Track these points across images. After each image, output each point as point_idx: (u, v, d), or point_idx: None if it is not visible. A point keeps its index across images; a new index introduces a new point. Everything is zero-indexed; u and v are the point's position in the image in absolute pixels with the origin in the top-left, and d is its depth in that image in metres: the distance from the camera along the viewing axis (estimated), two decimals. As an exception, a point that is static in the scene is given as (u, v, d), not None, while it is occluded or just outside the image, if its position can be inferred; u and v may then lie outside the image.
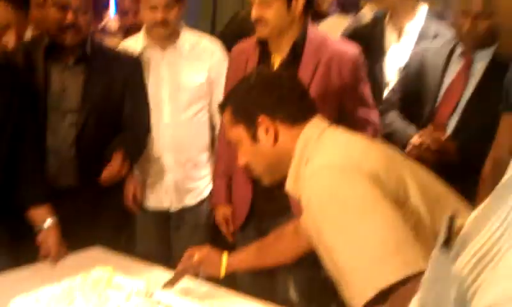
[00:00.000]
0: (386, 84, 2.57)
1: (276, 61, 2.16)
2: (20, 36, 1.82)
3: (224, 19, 3.30)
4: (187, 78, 2.50)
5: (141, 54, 2.48)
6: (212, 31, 3.27)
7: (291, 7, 2.07)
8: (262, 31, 2.10)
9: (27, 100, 2.09)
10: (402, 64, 2.52)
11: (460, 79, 2.19)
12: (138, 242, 2.61)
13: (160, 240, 2.59)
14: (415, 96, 2.29)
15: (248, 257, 1.86)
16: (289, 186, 1.46)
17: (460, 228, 0.63)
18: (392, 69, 2.57)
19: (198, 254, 1.81)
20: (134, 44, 2.53)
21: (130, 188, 2.52)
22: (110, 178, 2.23)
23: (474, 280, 0.55)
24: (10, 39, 1.75)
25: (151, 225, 2.58)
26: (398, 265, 1.13)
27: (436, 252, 0.62)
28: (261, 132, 1.46)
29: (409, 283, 1.10)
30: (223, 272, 1.81)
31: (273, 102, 1.46)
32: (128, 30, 2.89)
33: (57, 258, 2.01)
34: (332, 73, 2.10)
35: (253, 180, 2.14)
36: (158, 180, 2.53)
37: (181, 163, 2.51)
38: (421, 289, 0.63)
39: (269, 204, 2.19)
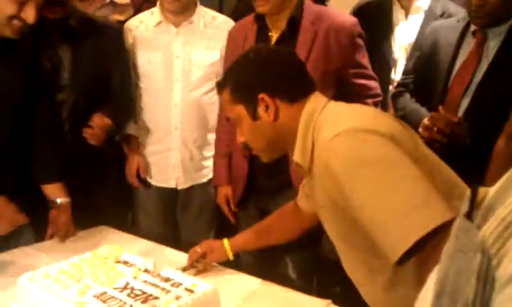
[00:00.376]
0: (395, 61, 2.55)
1: (274, 36, 2.15)
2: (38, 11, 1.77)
3: (231, 1, 3.25)
4: (200, 56, 2.46)
5: (155, 28, 2.44)
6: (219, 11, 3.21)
7: None
8: (262, 7, 2.08)
9: (41, 77, 2.07)
10: (411, 41, 2.50)
11: (472, 58, 2.13)
12: (144, 220, 2.60)
13: (167, 218, 2.58)
14: (428, 77, 2.24)
15: (249, 239, 1.88)
16: (297, 157, 1.46)
17: (482, 200, 0.62)
18: (400, 46, 2.56)
19: (199, 248, 1.84)
20: (148, 18, 2.48)
21: (133, 164, 2.51)
22: (92, 135, 2.20)
23: (499, 249, 0.54)
24: (30, 14, 1.71)
25: (157, 203, 2.56)
26: (431, 213, 1.18)
27: (458, 222, 0.61)
28: (261, 110, 1.45)
29: (439, 232, 1.15)
30: (230, 255, 1.85)
31: (273, 79, 1.46)
32: (142, 5, 2.83)
33: (65, 236, 2.02)
34: (330, 44, 2.09)
35: (250, 158, 2.16)
36: (165, 159, 2.50)
37: (189, 142, 2.49)
38: (442, 259, 0.63)
39: (268, 181, 2.20)
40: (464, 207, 0.60)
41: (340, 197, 1.30)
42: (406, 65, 2.44)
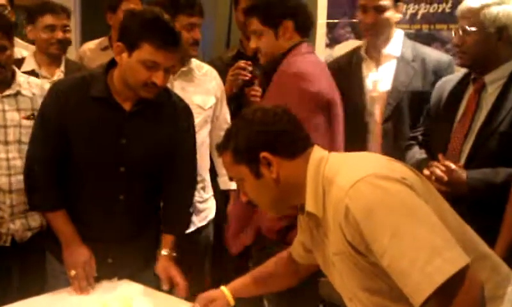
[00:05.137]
0: (368, 111, 2.65)
1: None
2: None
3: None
4: (199, 99, 2.56)
5: None
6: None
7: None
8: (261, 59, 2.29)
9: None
10: (385, 90, 2.61)
11: (471, 105, 2.14)
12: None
13: None
14: (434, 128, 2.30)
15: (248, 285, 1.90)
16: (310, 207, 1.50)
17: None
18: (371, 97, 2.66)
19: (198, 304, 1.85)
20: None
21: None
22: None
23: None
24: (159, 78, 1.91)
25: None
26: (452, 257, 1.24)
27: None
28: (264, 168, 1.52)
29: (456, 278, 1.22)
30: (232, 301, 1.87)
31: (272, 137, 1.52)
32: None
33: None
34: (276, 95, 2.14)
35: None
36: None
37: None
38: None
39: None
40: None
41: (361, 243, 1.34)
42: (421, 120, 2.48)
